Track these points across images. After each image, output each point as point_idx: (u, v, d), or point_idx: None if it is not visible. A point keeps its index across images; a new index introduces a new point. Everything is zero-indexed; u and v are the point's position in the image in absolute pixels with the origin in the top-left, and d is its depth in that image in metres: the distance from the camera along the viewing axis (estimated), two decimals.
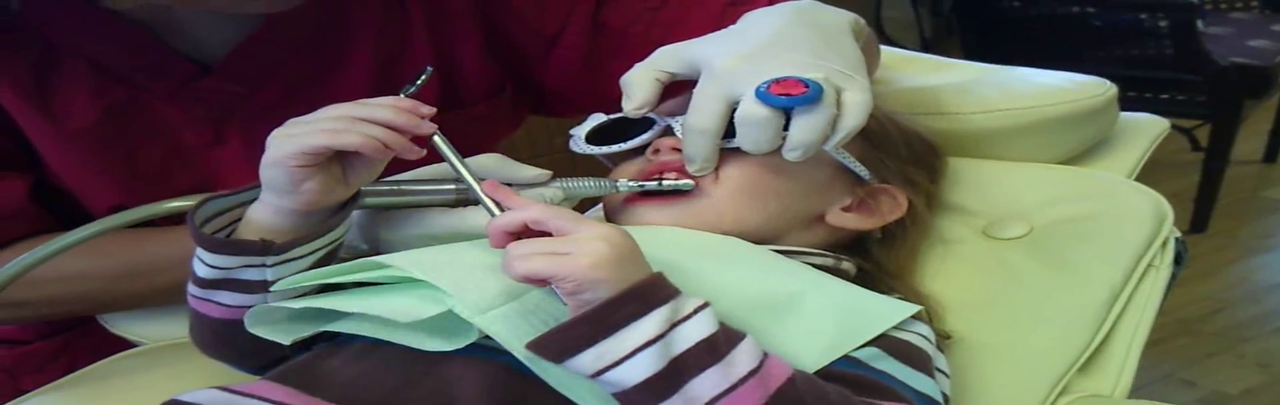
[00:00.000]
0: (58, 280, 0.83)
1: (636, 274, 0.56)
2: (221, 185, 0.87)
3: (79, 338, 1.00)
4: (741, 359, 0.55)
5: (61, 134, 0.83)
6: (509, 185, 0.69)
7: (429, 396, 0.60)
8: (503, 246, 0.58)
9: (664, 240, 0.67)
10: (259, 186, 0.67)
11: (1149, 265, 0.86)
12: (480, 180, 0.66)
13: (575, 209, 0.69)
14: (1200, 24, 2.25)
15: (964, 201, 0.92)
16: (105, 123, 0.83)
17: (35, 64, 0.80)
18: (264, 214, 0.68)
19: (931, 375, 0.65)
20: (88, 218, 0.89)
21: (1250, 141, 2.80)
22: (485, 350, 0.61)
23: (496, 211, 0.63)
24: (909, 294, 0.77)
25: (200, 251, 0.67)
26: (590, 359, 0.54)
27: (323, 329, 0.66)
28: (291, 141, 0.64)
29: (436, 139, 0.67)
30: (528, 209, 0.60)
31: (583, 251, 0.55)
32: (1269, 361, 2.02)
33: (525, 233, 0.59)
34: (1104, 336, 0.81)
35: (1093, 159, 0.99)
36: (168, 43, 0.82)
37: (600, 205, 0.84)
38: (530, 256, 0.56)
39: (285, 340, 0.66)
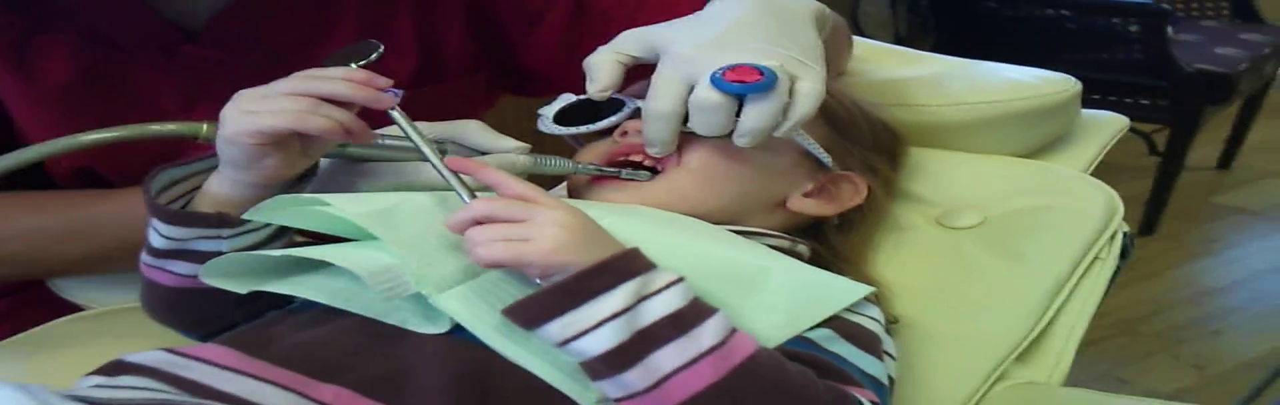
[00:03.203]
0: (41, 256, 0.83)
1: (603, 252, 0.58)
2: (189, 150, 0.87)
3: (25, 302, 0.99)
4: (706, 334, 0.57)
5: (33, 93, 0.83)
6: (483, 153, 0.70)
7: (383, 364, 0.60)
8: (461, 233, 0.60)
9: (634, 214, 0.69)
10: (216, 156, 0.67)
11: (1095, 257, 0.88)
12: (442, 154, 0.66)
13: (543, 186, 0.70)
14: (1170, 30, 2.29)
15: (921, 190, 0.94)
16: (81, 84, 0.83)
17: (16, 23, 0.80)
18: (222, 186, 0.68)
19: (880, 358, 0.66)
20: (45, 179, 0.89)
21: (1207, 148, 2.85)
22: (464, 333, 0.61)
23: (459, 189, 0.63)
24: (861, 279, 0.78)
25: (155, 222, 0.68)
26: (557, 328, 0.56)
27: (280, 291, 0.66)
28: (250, 120, 0.63)
29: (395, 113, 0.67)
30: (478, 205, 0.60)
31: (542, 236, 0.57)
32: (1204, 363, 2.06)
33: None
34: (1045, 325, 0.83)
35: (1051, 153, 1.01)
36: (154, 7, 0.82)
37: (565, 183, 0.85)
38: (491, 243, 0.58)
39: (241, 289, 0.66)
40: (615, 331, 0.55)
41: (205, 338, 0.71)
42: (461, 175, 0.64)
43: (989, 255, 0.87)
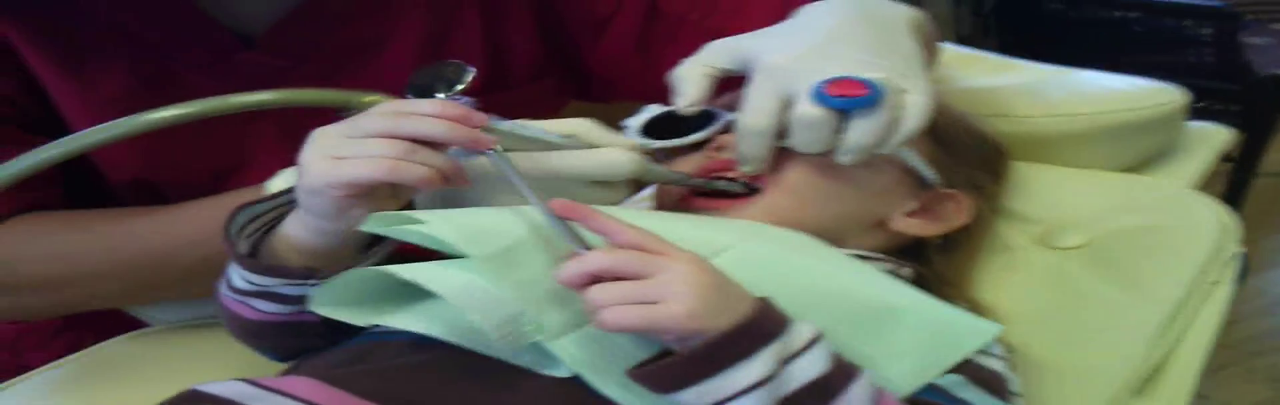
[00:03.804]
0: (83, 278, 0.79)
1: (738, 308, 0.53)
2: (252, 164, 0.84)
3: (82, 317, 0.97)
4: (853, 401, 0.53)
5: (91, 102, 0.80)
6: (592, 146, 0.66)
7: (476, 401, 0.57)
8: (577, 288, 0.53)
9: (759, 236, 0.64)
10: (293, 193, 0.63)
11: (1212, 282, 0.82)
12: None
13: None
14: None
15: (1021, 208, 0.89)
16: (138, 93, 0.80)
17: (70, 31, 0.77)
18: (300, 232, 0.63)
19: (1008, 402, 0.62)
20: (105, 193, 0.86)
21: (1278, 154, 2.77)
22: (563, 371, 0.58)
23: (570, 239, 0.56)
24: (965, 303, 0.74)
25: (237, 267, 0.64)
26: (693, 396, 0.51)
27: (405, 326, 0.61)
28: (339, 170, 0.58)
29: (495, 154, 0.61)
30: (594, 257, 0.53)
31: (672, 297, 0.51)
32: None
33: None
34: (1163, 355, 0.78)
35: (1152, 167, 0.96)
36: (210, 14, 0.78)
37: (646, 192, 0.80)
38: (619, 310, 0.51)
39: (361, 322, 0.62)
40: (758, 401, 0.51)
41: (285, 360, 0.69)
42: (571, 223, 0.57)
43: (1097, 279, 0.82)
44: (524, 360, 0.58)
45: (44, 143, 0.79)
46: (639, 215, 0.66)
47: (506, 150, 0.64)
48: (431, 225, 0.57)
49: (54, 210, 0.81)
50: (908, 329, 0.60)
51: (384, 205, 0.61)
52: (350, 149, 0.58)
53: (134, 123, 0.57)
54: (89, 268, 0.78)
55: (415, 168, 0.58)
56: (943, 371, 0.60)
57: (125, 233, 0.79)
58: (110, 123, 0.58)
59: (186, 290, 0.69)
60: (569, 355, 0.55)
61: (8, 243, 0.77)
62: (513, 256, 0.56)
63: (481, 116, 0.60)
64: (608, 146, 0.68)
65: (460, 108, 0.60)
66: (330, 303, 0.62)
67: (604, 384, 0.55)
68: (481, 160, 0.62)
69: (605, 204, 0.67)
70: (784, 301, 0.57)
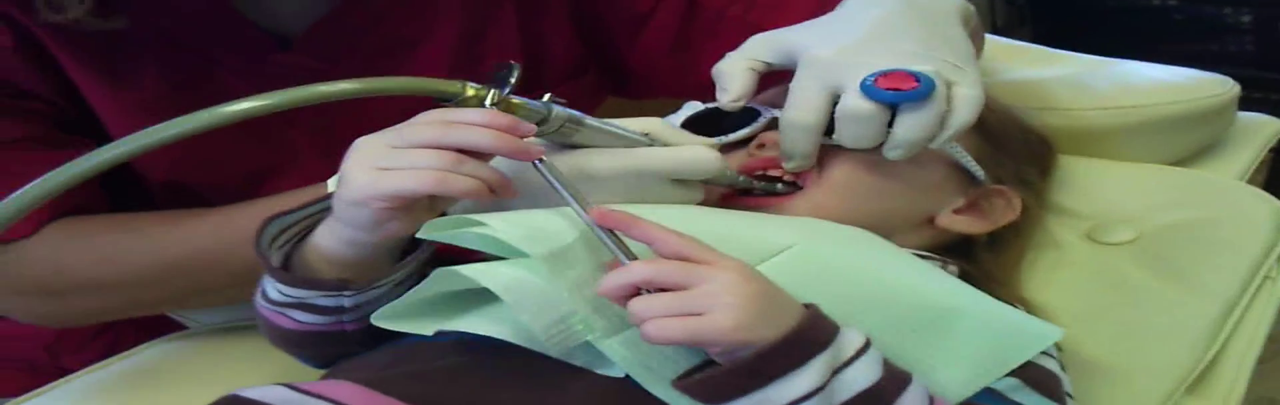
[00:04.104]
0: (130, 280, 0.78)
1: (785, 317, 0.51)
2: (286, 166, 0.83)
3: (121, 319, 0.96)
4: None
5: (126, 104, 0.79)
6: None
7: (519, 403, 0.56)
8: (621, 302, 0.52)
9: (819, 233, 0.63)
10: (326, 200, 0.61)
11: (1265, 277, 0.81)
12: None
13: None
14: None
15: (1069, 202, 0.87)
16: (173, 95, 0.79)
17: (105, 33, 0.76)
18: (333, 242, 0.62)
19: (1063, 403, 0.61)
20: (140, 195, 0.85)
21: None
22: (612, 369, 0.57)
23: (613, 247, 0.55)
24: (1013, 301, 0.72)
25: (270, 280, 0.63)
26: None
27: (471, 329, 0.59)
28: (384, 181, 0.56)
29: (542, 166, 0.58)
30: (636, 268, 0.52)
31: (718, 309, 0.50)
32: None
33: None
34: (1216, 353, 0.76)
35: (1201, 159, 0.94)
36: (246, 15, 0.78)
37: None
38: (663, 323, 0.50)
39: (427, 331, 0.60)
40: None
41: (324, 366, 0.68)
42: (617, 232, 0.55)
43: (1148, 275, 0.80)
44: (580, 360, 0.57)
45: (81, 144, 0.79)
46: (704, 212, 0.65)
47: (591, 146, 0.63)
48: (493, 227, 0.56)
49: (97, 213, 0.81)
50: (968, 332, 0.59)
51: (422, 217, 0.59)
52: (395, 160, 0.56)
53: (212, 115, 0.54)
54: (137, 270, 0.77)
55: (462, 180, 0.56)
56: (998, 377, 0.59)
57: (176, 235, 0.78)
58: (186, 116, 0.55)
59: (237, 294, 0.68)
60: (619, 356, 0.54)
61: (53, 244, 0.77)
62: (568, 255, 0.55)
63: (529, 126, 0.58)
64: (682, 144, 0.67)
65: (507, 118, 0.57)
66: (391, 316, 0.61)
67: (653, 385, 0.54)
68: (527, 169, 0.60)
69: (685, 202, 0.66)
70: (844, 302, 0.56)
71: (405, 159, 0.56)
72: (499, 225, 0.56)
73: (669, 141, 0.66)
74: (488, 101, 0.59)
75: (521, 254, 0.55)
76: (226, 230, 0.74)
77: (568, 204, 0.56)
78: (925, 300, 0.60)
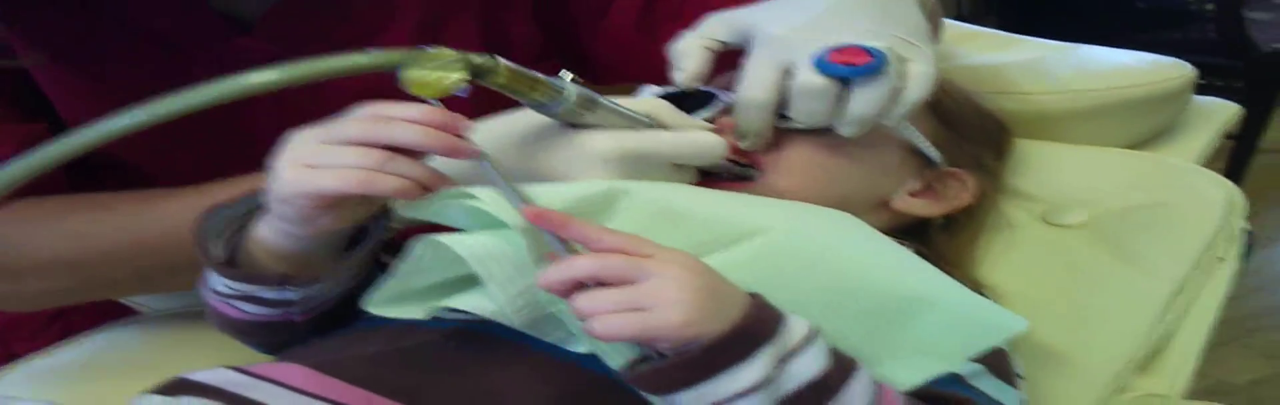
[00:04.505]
0: (97, 259, 0.77)
1: (731, 309, 0.51)
2: (249, 149, 0.82)
3: (75, 304, 0.95)
4: (853, 398, 0.52)
5: (80, 88, 0.78)
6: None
7: (468, 384, 0.56)
8: (562, 295, 0.51)
9: (806, 216, 0.63)
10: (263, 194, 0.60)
11: (1217, 258, 0.82)
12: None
13: None
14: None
15: (1024, 185, 0.88)
16: (140, 82, 0.77)
17: (71, 24, 0.75)
18: (273, 235, 0.60)
19: (1015, 385, 0.62)
20: (92, 178, 0.84)
21: (1275, 131, 2.76)
22: (561, 351, 0.57)
23: (554, 242, 0.53)
24: (969, 283, 0.73)
25: (214, 274, 0.62)
26: (691, 398, 0.50)
27: (463, 307, 0.59)
28: (309, 179, 0.55)
29: (483, 162, 0.56)
30: (579, 262, 0.50)
31: (664, 304, 0.49)
32: (1277, 353, 2.00)
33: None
34: (1166, 333, 0.78)
35: (1157, 143, 0.95)
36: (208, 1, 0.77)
37: None
38: (609, 319, 0.49)
39: (423, 316, 0.59)
40: (758, 403, 0.50)
41: (274, 352, 0.67)
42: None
43: (1101, 256, 0.82)
44: (552, 336, 0.57)
45: (42, 122, 0.78)
46: (696, 191, 0.65)
47: (598, 126, 0.62)
48: (481, 199, 0.55)
49: (57, 194, 0.80)
50: (937, 319, 0.60)
51: (357, 212, 0.59)
52: (323, 157, 0.55)
53: (223, 88, 0.53)
54: (105, 247, 0.76)
55: (389, 179, 0.54)
56: (958, 366, 0.60)
57: (150, 213, 0.76)
58: (194, 89, 0.54)
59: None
60: (577, 327, 0.54)
61: (13, 222, 0.76)
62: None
63: (466, 122, 0.56)
64: (684, 128, 0.66)
65: (442, 113, 0.55)
66: (381, 303, 0.61)
67: (613, 359, 0.54)
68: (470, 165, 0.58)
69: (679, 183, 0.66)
70: (819, 285, 0.56)
71: (333, 157, 0.55)
72: (486, 196, 0.55)
73: (669, 124, 0.66)
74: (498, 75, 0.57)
75: (503, 226, 0.55)
76: (202, 209, 0.74)
77: (510, 201, 0.55)
78: (898, 286, 0.61)
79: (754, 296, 0.53)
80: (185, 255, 0.74)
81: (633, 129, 0.64)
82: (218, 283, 0.63)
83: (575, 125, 0.64)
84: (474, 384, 0.56)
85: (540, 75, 0.60)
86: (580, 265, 0.50)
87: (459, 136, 0.55)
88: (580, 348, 0.57)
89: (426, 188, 0.56)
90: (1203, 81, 0.94)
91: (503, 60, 0.58)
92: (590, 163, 0.61)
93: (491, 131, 0.66)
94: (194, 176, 0.78)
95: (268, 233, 0.60)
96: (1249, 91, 2.25)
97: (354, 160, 0.54)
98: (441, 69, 0.56)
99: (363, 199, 0.57)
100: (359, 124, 0.56)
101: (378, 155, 0.54)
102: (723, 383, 0.49)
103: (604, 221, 0.59)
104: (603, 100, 0.63)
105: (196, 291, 0.67)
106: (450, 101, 0.57)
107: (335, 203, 0.56)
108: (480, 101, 0.62)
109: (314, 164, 0.55)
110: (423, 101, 0.56)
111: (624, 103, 0.65)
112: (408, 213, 0.59)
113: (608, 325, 0.49)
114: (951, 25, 1.04)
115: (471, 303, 0.58)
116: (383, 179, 0.54)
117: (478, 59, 0.57)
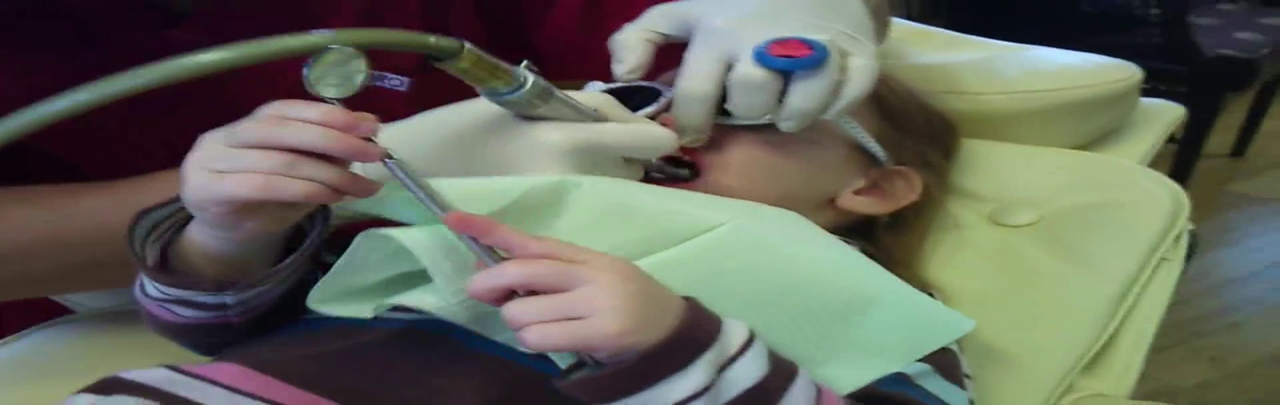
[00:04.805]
0: (19, 253, 0.74)
1: (667, 315, 0.49)
2: (183, 147, 0.80)
3: (7, 303, 0.92)
4: (795, 401, 0.51)
5: (33, 87, 0.75)
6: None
7: (406, 383, 0.54)
8: (493, 303, 0.50)
9: (755, 214, 0.62)
10: None
11: (1162, 258, 0.82)
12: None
13: None
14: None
15: (972, 185, 0.88)
16: (79, 76, 0.75)
17: (5, 17, 0.72)
18: (204, 236, 0.58)
19: (963, 386, 0.61)
20: (16, 170, 0.82)
21: (1221, 135, 2.80)
22: (507, 351, 0.55)
23: (479, 251, 0.51)
24: (913, 282, 0.72)
25: (146, 278, 0.60)
26: None
27: (411, 303, 0.56)
28: (215, 186, 0.52)
29: (391, 163, 0.53)
30: (508, 269, 0.49)
31: (603, 313, 0.47)
32: (1222, 356, 2.02)
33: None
34: (1113, 333, 0.77)
35: (1103, 144, 0.95)
36: None
37: None
38: (542, 328, 0.47)
39: (369, 314, 0.57)
40: None
41: (211, 354, 0.65)
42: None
43: (1048, 256, 0.81)
44: (501, 336, 0.56)
45: None
46: (646, 188, 0.64)
47: (549, 119, 0.61)
48: (398, 211, 0.54)
49: None
50: (883, 319, 0.59)
51: (287, 214, 0.56)
52: (228, 162, 0.52)
53: (171, 68, 0.51)
54: (28, 242, 0.73)
55: (294, 184, 0.51)
56: (908, 363, 0.59)
57: (78, 206, 0.74)
58: (146, 67, 0.51)
59: (131, 273, 0.65)
60: (512, 337, 0.52)
61: None
62: (504, 221, 0.53)
63: (371, 123, 0.53)
64: (630, 123, 0.65)
65: (344, 114, 0.52)
66: (323, 301, 0.59)
67: (563, 359, 0.52)
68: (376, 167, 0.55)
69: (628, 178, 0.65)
70: (765, 283, 0.55)
71: (237, 161, 0.52)
72: (401, 203, 0.54)
73: (615, 119, 0.64)
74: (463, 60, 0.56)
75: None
76: (134, 203, 0.71)
77: (425, 205, 0.53)
78: (844, 285, 0.60)
79: (690, 301, 0.51)
80: (112, 251, 0.72)
81: (583, 122, 0.63)
82: (151, 287, 0.61)
83: (526, 118, 0.62)
84: (417, 384, 0.55)
85: (503, 63, 0.58)
86: (509, 272, 0.49)
87: (366, 138, 0.52)
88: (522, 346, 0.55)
89: (339, 191, 0.53)
90: (1148, 86, 0.94)
91: (468, 44, 0.57)
92: (542, 155, 0.60)
93: (439, 122, 0.65)
94: (124, 170, 0.75)
95: (199, 235, 0.58)
96: (1193, 96, 2.28)
97: (255, 164, 0.52)
98: (343, 64, 0.53)
99: (283, 206, 0.55)
100: (258, 126, 0.53)
101: (279, 158, 0.51)
102: (661, 392, 0.48)
103: (554, 214, 0.58)
104: (557, 92, 0.61)
105: (128, 289, 0.65)
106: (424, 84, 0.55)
107: (249, 207, 0.53)
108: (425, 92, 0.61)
109: (220, 169, 0.52)
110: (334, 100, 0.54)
111: (575, 96, 0.64)
112: (343, 208, 0.57)
113: (541, 335, 0.47)
114: (901, 24, 1.03)
115: (417, 299, 0.56)
116: (286, 183, 0.51)
117: (442, 41, 0.56)
